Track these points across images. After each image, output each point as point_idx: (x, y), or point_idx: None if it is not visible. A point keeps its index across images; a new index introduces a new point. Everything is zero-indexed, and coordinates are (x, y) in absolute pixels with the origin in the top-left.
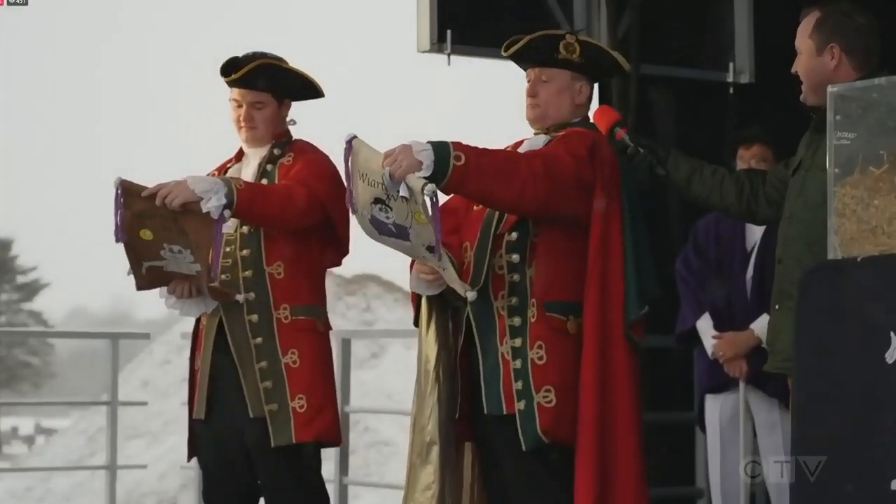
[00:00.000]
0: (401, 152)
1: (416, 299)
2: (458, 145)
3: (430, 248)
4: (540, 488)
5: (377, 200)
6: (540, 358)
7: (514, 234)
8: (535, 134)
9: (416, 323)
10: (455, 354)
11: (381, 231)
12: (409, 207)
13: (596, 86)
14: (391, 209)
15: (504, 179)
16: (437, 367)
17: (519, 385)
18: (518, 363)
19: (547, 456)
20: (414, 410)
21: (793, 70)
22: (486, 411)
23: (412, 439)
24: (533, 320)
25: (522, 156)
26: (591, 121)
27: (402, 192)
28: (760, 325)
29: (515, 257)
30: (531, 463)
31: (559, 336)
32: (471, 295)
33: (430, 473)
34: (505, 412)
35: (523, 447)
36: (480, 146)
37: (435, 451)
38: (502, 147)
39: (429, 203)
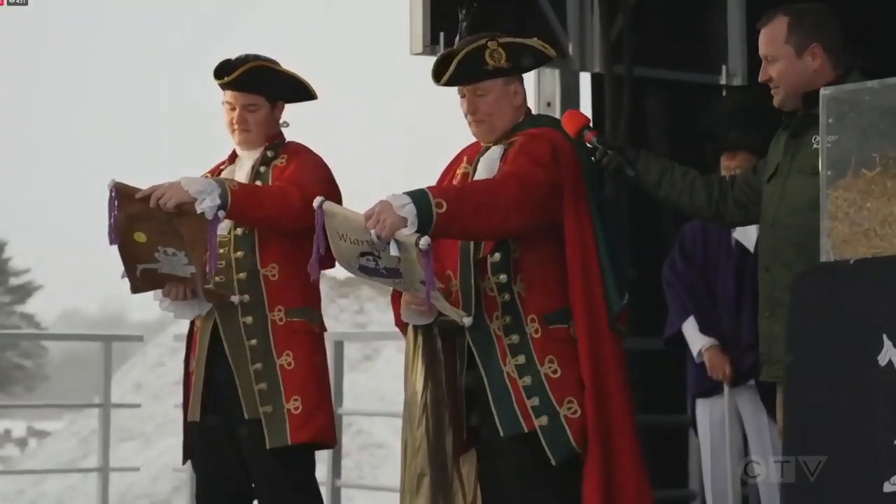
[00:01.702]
0: (381, 211)
1: (402, 327)
2: (436, 191)
3: (424, 283)
4: (555, 500)
5: (363, 254)
6: (554, 372)
7: (497, 255)
8: (485, 144)
9: None
10: (454, 381)
11: (369, 274)
12: (399, 256)
13: (589, 88)
14: (380, 258)
15: (486, 214)
16: (424, 399)
17: (535, 402)
18: (528, 380)
19: (566, 468)
20: (405, 436)
21: (762, 79)
22: (501, 434)
23: (405, 465)
24: (537, 336)
25: (498, 183)
26: (535, 114)
27: (393, 251)
28: None
29: (503, 277)
30: (550, 478)
31: (566, 346)
32: (467, 321)
33: None
34: (525, 430)
35: (552, 461)
36: (455, 184)
37: (426, 482)
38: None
39: (423, 256)
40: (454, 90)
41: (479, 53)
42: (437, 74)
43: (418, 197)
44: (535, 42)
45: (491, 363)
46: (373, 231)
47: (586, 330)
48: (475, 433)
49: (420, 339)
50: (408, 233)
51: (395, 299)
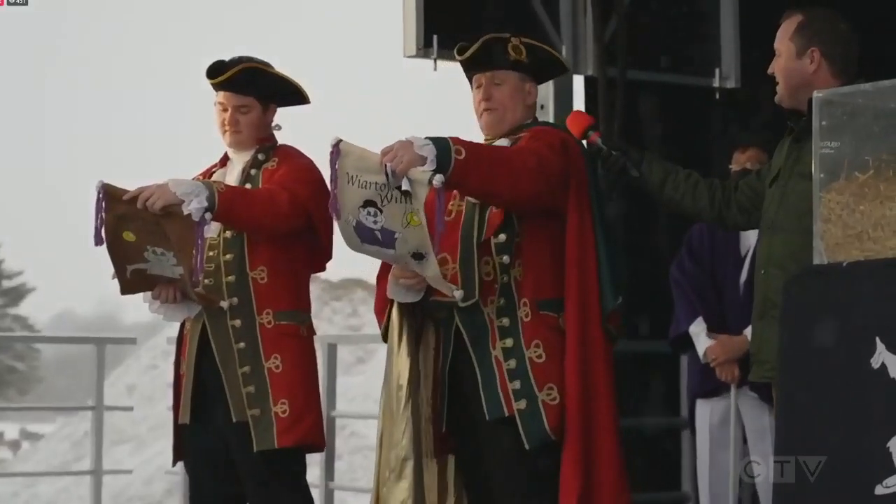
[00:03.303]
0: (400, 148)
1: (381, 313)
2: (455, 140)
3: (416, 255)
4: (532, 488)
5: (367, 203)
6: (539, 356)
7: (502, 236)
8: (487, 139)
9: (384, 338)
10: (437, 368)
11: (363, 239)
12: (405, 207)
13: (582, 91)
14: (381, 212)
15: (501, 172)
16: (410, 383)
17: (516, 385)
18: (512, 363)
19: (543, 455)
20: (381, 426)
21: (769, 71)
22: (487, 417)
23: (381, 456)
24: (527, 320)
25: (513, 150)
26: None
27: (405, 186)
28: None
29: (506, 258)
30: (527, 463)
31: (554, 333)
32: (458, 294)
33: (404, 489)
34: (506, 414)
35: (526, 445)
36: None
37: (409, 466)
38: None
39: (435, 196)
40: (449, 91)
41: (503, 44)
42: (462, 51)
43: (438, 140)
44: (554, 52)
45: (482, 347)
46: (388, 164)
47: (577, 322)
48: (454, 423)
49: (405, 322)
50: (424, 169)
51: (381, 277)
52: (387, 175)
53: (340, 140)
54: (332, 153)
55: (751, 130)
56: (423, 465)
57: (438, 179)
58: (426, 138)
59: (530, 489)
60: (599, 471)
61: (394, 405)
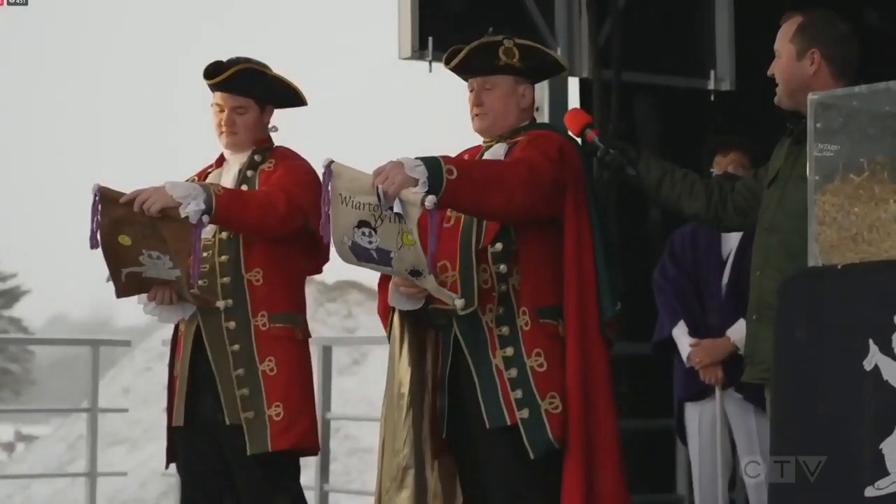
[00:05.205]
0: (392, 169)
1: (385, 316)
2: (447, 159)
3: (413, 272)
4: (533, 496)
5: (361, 223)
6: (540, 365)
7: (499, 245)
8: (486, 142)
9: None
10: (437, 375)
11: (359, 257)
12: (399, 227)
13: (577, 91)
14: (376, 232)
15: (494, 189)
16: (412, 392)
17: (518, 394)
18: (513, 372)
19: (545, 463)
20: (383, 433)
21: (769, 72)
22: (488, 426)
23: (383, 464)
24: (527, 328)
25: (507, 163)
26: (539, 122)
27: (396, 208)
28: (737, 332)
29: (503, 267)
30: (529, 471)
31: (554, 341)
32: (459, 303)
33: (405, 499)
34: (508, 423)
35: (531, 455)
36: (466, 159)
37: (411, 475)
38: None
39: (427, 217)
40: (445, 93)
41: (494, 48)
42: (450, 59)
43: (430, 161)
44: (551, 52)
45: (480, 355)
46: (380, 187)
47: (576, 329)
48: (454, 430)
49: (406, 330)
50: (416, 191)
51: (382, 284)
52: (378, 196)
53: (332, 161)
54: (324, 174)
55: (733, 133)
56: (424, 474)
57: (430, 201)
58: (417, 159)
59: (532, 497)
60: (601, 478)
61: (395, 413)
